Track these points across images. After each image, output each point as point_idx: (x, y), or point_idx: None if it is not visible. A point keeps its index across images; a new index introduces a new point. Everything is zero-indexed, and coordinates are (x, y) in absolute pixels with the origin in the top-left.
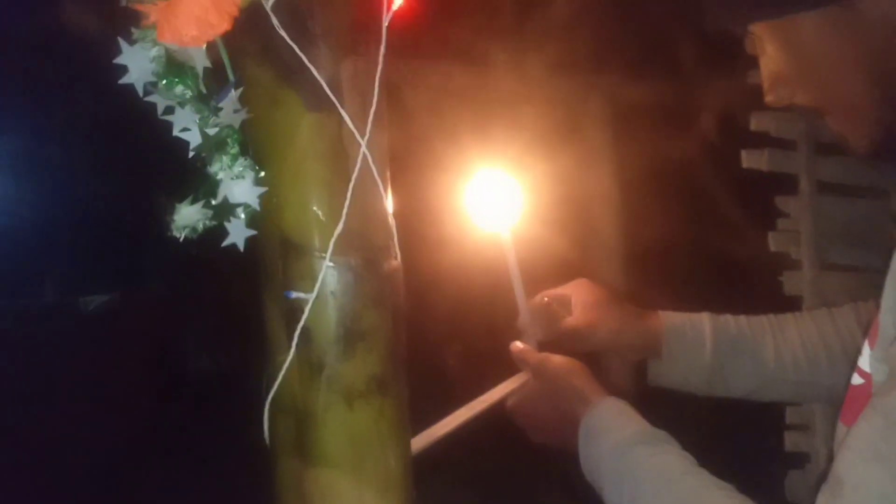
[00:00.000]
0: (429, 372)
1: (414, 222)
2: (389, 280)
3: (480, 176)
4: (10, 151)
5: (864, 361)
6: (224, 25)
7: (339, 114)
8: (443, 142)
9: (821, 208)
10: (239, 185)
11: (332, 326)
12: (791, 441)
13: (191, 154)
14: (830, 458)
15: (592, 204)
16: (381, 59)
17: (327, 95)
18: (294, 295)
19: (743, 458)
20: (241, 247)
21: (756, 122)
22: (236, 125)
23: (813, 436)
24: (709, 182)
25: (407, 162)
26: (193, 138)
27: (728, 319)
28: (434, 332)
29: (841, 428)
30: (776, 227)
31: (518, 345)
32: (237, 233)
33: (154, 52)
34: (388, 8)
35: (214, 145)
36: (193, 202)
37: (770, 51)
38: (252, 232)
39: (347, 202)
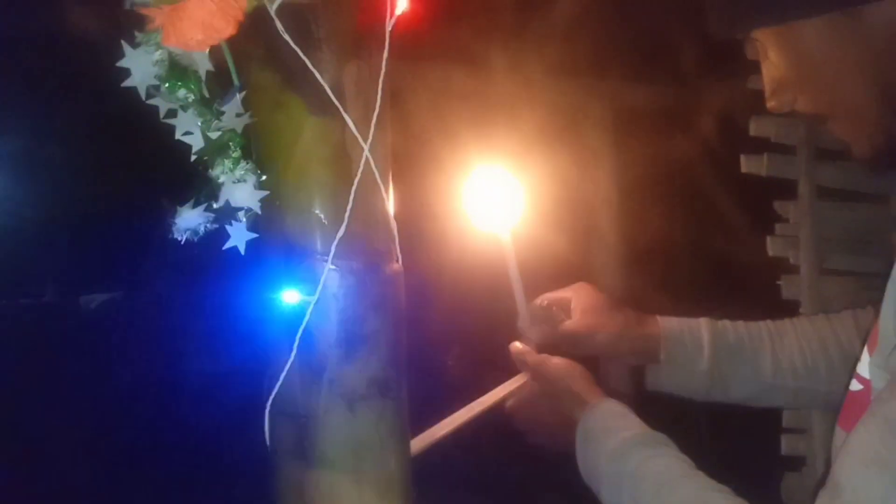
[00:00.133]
0: (429, 373)
1: (414, 224)
2: (391, 283)
3: (481, 178)
4: (13, 152)
5: (864, 368)
6: (229, 30)
7: (343, 118)
8: (443, 143)
9: (820, 213)
10: (241, 189)
11: (333, 329)
12: (788, 444)
13: (193, 157)
14: (828, 463)
15: (592, 207)
16: (384, 63)
17: (331, 99)
18: (296, 297)
19: (740, 460)
20: (243, 250)
21: (756, 127)
22: (239, 129)
23: (810, 439)
24: (708, 186)
25: (407, 164)
26: (196, 142)
27: (726, 325)
28: (434, 334)
29: (839, 433)
30: (775, 232)
31: (517, 345)
32: (238, 236)
33: (157, 55)
34: (392, 12)
35: (216, 149)
36: (195, 205)
37: (773, 56)
38: (254, 235)
39: (350, 206)
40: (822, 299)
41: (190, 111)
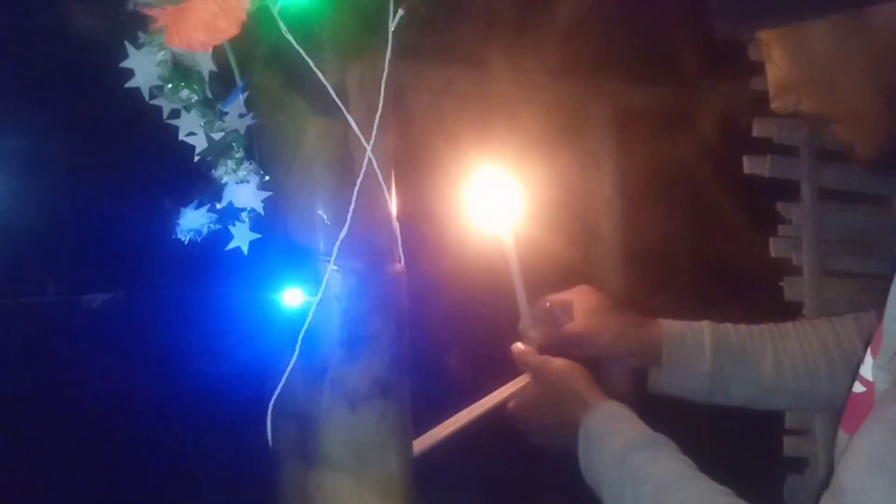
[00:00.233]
0: (431, 374)
1: (417, 225)
2: (393, 284)
3: (483, 179)
4: (16, 152)
5: (866, 370)
6: (232, 30)
7: (346, 119)
8: (446, 144)
9: (822, 215)
10: (244, 190)
11: (335, 330)
12: (790, 446)
13: (196, 158)
14: (830, 464)
15: (594, 208)
16: (386, 64)
17: (333, 101)
18: (298, 298)
19: (742, 462)
20: (246, 250)
21: (758, 128)
22: (242, 130)
23: (812, 441)
24: (711, 187)
25: (410, 165)
26: (199, 142)
27: (728, 328)
28: (436, 335)
29: (842, 435)
30: (777, 233)
31: (519, 346)
32: (241, 236)
33: (160, 56)
34: (395, 13)
35: (220, 149)
36: (198, 206)
37: (777, 58)
38: (256, 235)
39: (352, 206)
40: (824, 300)
41: (193, 112)
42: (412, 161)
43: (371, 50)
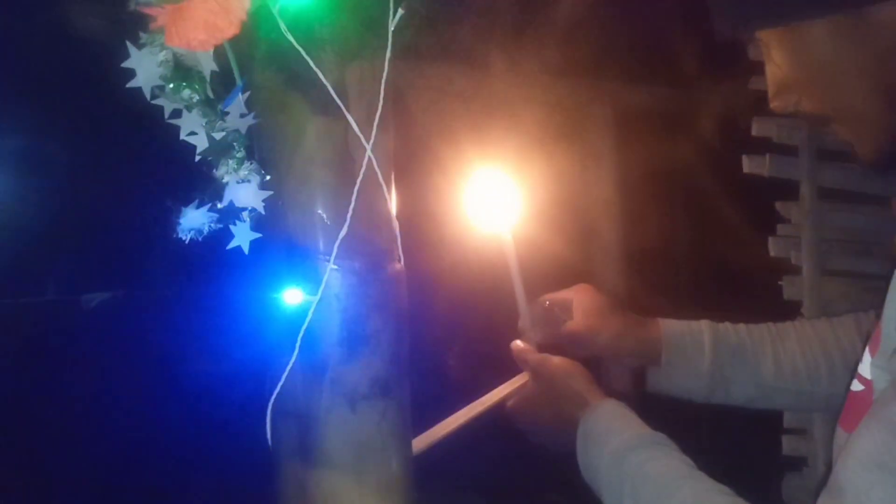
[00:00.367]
0: (430, 373)
1: (416, 224)
2: (393, 283)
3: (482, 178)
4: (16, 151)
5: (865, 368)
6: (232, 30)
7: (346, 119)
8: (445, 144)
9: (822, 214)
10: (244, 189)
11: (335, 329)
12: (789, 445)
13: (197, 157)
14: (829, 463)
15: (594, 207)
16: (386, 64)
17: (333, 100)
18: (298, 297)
19: (741, 461)
20: (246, 250)
21: (758, 128)
22: (243, 129)
23: (811, 440)
24: (710, 186)
25: (409, 164)
26: (200, 142)
27: (728, 328)
28: (435, 334)
29: (840, 433)
30: (776, 233)
31: (519, 343)
32: (242, 236)
33: (162, 55)
34: (394, 13)
35: (221, 149)
36: (199, 205)
37: (777, 57)
38: (257, 235)
39: (352, 206)
40: (823, 300)
41: (194, 111)
42: (412, 161)
43: (371, 50)
